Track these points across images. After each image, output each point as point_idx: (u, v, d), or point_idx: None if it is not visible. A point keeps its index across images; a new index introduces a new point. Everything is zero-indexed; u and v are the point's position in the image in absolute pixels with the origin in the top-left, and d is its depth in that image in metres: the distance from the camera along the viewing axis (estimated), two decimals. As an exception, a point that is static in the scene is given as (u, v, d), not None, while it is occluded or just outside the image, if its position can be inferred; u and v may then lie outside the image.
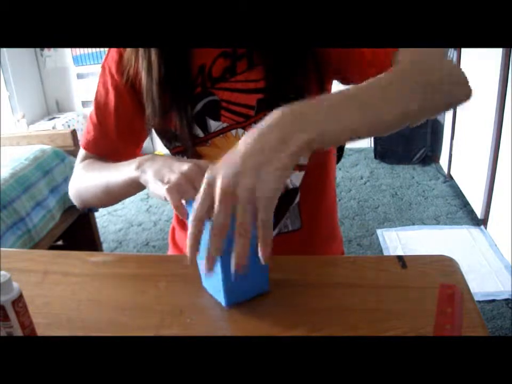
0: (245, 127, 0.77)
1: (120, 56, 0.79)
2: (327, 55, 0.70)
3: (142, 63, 0.75)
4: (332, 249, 0.92)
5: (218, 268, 0.59)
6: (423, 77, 0.52)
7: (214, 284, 0.65)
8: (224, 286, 0.62)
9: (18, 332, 0.59)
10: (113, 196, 0.77)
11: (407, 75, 0.52)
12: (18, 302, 0.59)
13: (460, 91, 0.58)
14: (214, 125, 0.78)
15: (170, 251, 0.97)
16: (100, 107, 0.82)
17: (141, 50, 0.74)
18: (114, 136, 0.82)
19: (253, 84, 0.74)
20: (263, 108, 0.75)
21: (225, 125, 0.78)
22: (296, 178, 0.81)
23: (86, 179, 0.83)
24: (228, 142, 0.78)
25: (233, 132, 0.78)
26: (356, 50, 0.63)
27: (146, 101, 0.77)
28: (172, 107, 0.76)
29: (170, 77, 0.74)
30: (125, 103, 0.81)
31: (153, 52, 0.73)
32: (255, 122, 0.73)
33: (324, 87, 0.76)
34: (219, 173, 0.45)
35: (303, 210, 0.82)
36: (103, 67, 0.82)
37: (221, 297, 0.64)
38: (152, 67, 0.74)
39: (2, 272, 0.59)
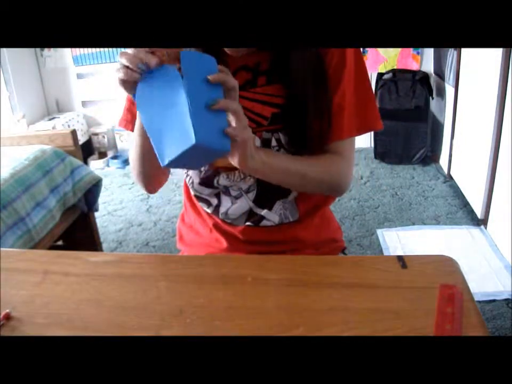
0: (256, 133, 0.81)
1: None
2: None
3: None
4: (328, 234, 0.98)
5: (183, 107, 0.60)
6: (324, 181, 0.85)
7: (177, 133, 0.62)
8: (193, 118, 0.60)
9: None
10: (143, 154, 0.81)
11: (316, 179, 0.83)
12: None
13: (329, 192, 0.94)
14: None
15: (179, 234, 1.05)
16: None
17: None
18: None
19: (269, 98, 0.81)
20: (276, 121, 0.82)
21: None
22: None
23: (131, 153, 0.87)
24: None
25: None
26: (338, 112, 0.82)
27: None
28: None
29: None
30: None
31: None
32: (266, 131, 0.82)
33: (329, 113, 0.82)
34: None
35: (299, 204, 0.91)
36: None
37: (188, 138, 0.60)
38: None
39: None
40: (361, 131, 0.85)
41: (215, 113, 0.63)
